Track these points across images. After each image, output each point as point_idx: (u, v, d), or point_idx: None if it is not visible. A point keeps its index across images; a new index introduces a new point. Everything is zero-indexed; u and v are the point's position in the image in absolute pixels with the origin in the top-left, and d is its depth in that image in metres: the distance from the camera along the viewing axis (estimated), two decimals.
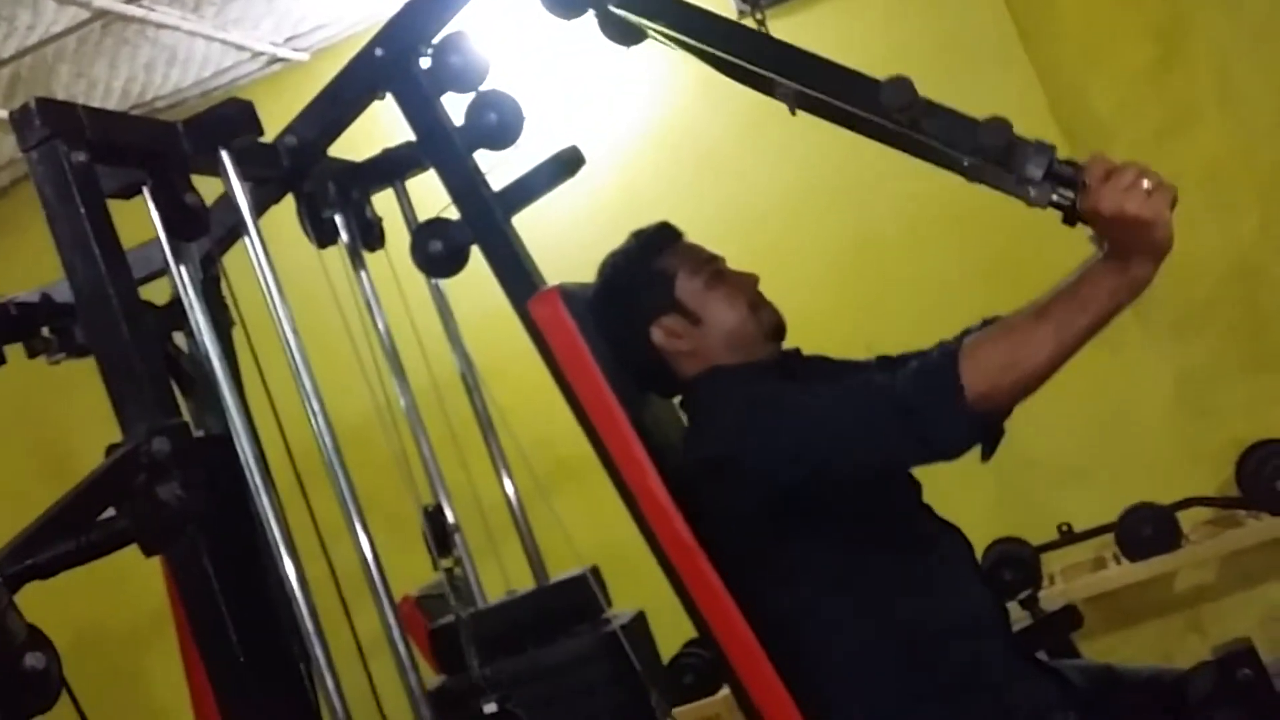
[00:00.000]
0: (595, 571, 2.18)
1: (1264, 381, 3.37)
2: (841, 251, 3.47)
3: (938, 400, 1.48)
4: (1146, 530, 3.23)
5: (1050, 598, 3.06)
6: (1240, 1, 3.35)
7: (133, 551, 1.53)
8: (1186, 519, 3.29)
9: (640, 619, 2.14)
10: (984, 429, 1.54)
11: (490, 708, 1.96)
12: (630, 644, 1.98)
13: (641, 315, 1.90)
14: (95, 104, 3.41)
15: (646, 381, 1.95)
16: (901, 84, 1.53)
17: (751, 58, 1.74)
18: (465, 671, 2.06)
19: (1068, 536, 3.33)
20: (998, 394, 1.50)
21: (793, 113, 2.52)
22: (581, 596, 2.10)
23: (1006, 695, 1.76)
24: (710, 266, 1.91)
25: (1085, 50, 3.47)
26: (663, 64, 3.60)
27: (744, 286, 1.90)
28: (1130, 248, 1.42)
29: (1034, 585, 3.13)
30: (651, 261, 1.92)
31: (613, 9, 1.82)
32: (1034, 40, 3.44)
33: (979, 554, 2.55)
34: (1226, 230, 3.38)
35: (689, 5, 1.80)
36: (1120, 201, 1.38)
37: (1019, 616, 2.06)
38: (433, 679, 2.19)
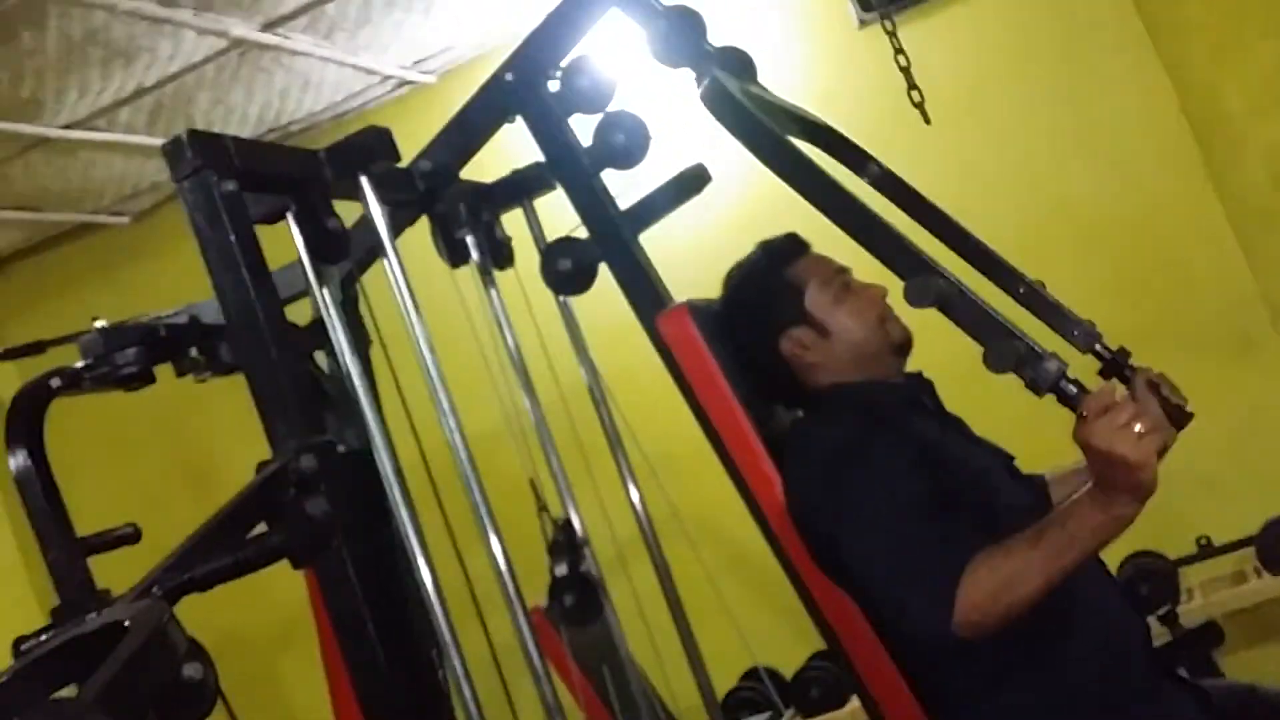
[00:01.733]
0: None
1: None
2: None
3: (928, 607, 1.55)
4: None
5: (1189, 613, 2.99)
6: None
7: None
8: None
9: None
10: (956, 647, 1.58)
11: None
12: None
13: (771, 326, 1.91)
14: (232, 129, 3.53)
15: (772, 391, 1.96)
16: (925, 285, 1.60)
17: (805, 192, 1.75)
18: None
19: (1207, 549, 3.24)
20: (986, 622, 1.54)
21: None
22: None
23: (1144, 713, 1.72)
24: (840, 279, 1.91)
25: (1216, 47, 3.37)
26: (786, 77, 3.61)
27: (873, 300, 1.90)
28: (1114, 485, 1.44)
29: (1172, 600, 3.06)
30: (781, 272, 1.93)
31: (702, 97, 1.83)
32: (1162, 36, 3.36)
33: (1114, 568, 2.51)
34: None
35: (762, 141, 1.79)
36: (1111, 440, 1.40)
37: (1158, 632, 2.02)
38: None
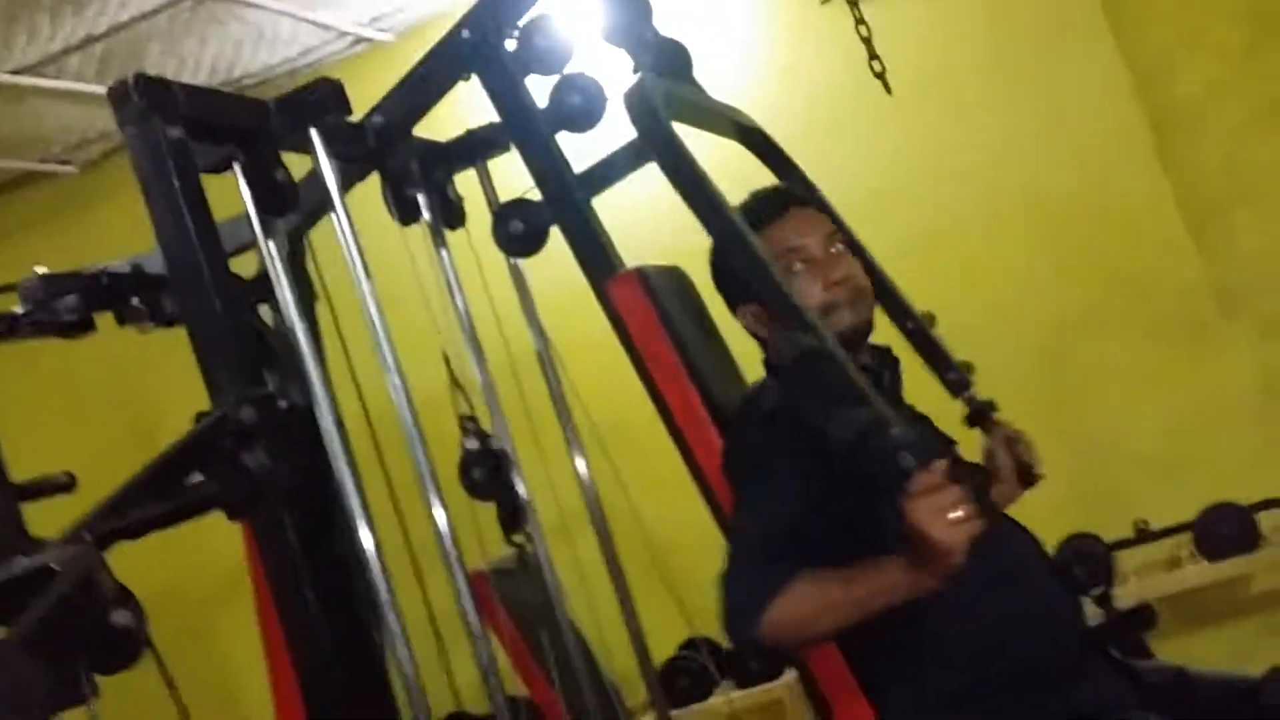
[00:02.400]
0: None
1: None
2: (919, 240, 3.44)
3: (743, 615, 1.66)
4: (1225, 530, 3.18)
5: (1124, 596, 3.03)
6: None
7: (211, 514, 1.58)
8: (1267, 520, 3.23)
9: None
10: (764, 655, 1.78)
11: None
12: None
13: (731, 297, 1.91)
14: (184, 81, 3.47)
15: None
16: (792, 340, 1.62)
17: (698, 214, 1.68)
18: None
19: (1144, 534, 3.29)
20: (785, 642, 1.72)
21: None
22: None
23: (1075, 691, 1.74)
24: (794, 257, 1.85)
25: (1174, 31, 3.40)
26: (745, 50, 3.60)
27: (827, 284, 1.85)
28: (923, 559, 1.51)
29: (1107, 582, 3.10)
30: None
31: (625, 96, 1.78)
32: (1123, 22, 3.38)
33: (1052, 549, 2.53)
34: None
35: (673, 164, 1.72)
36: (927, 519, 1.46)
37: (1093, 614, 2.04)
38: None
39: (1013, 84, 3.46)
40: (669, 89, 1.90)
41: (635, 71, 2.06)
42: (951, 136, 3.47)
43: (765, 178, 2.11)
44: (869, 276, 1.91)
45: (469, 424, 2.31)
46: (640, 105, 1.69)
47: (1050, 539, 2.15)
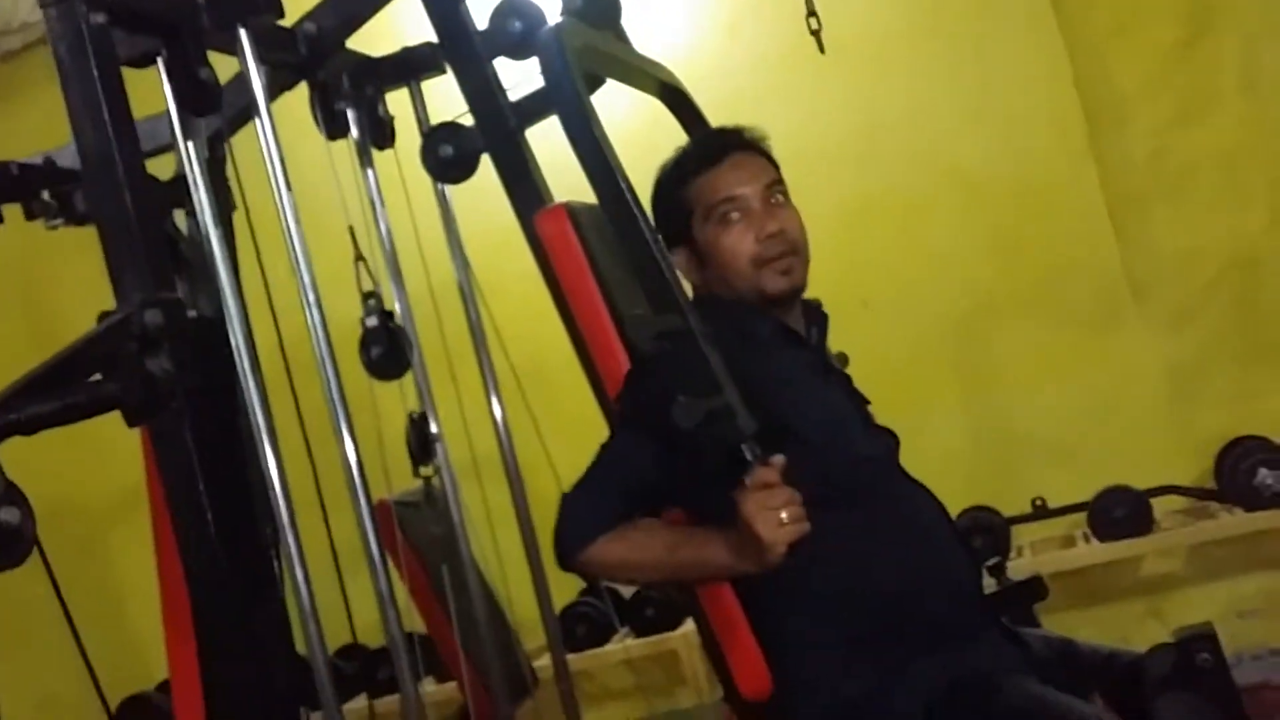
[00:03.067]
0: None
1: (1253, 375, 3.38)
2: (846, 207, 3.45)
3: (570, 535, 1.74)
4: (1119, 512, 3.25)
5: (1018, 568, 3.08)
6: None
7: (109, 425, 1.53)
8: (1160, 506, 3.31)
9: None
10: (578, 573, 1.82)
11: None
12: None
13: (664, 238, 1.87)
14: None
15: None
16: (660, 320, 1.64)
17: (585, 168, 1.65)
18: None
19: (1041, 511, 3.35)
20: (597, 573, 1.82)
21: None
22: None
23: (966, 653, 1.77)
24: (728, 206, 1.83)
25: (1114, 24, 3.43)
26: (690, 6, 3.56)
27: (759, 236, 1.83)
28: (745, 547, 1.58)
29: (1002, 554, 3.16)
30: (678, 189, 1.86)
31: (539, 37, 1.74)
32: (1066, 9, 3.40)
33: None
34: (1233, 220, 3.38)
35: (570, 105, 1.66)
36: (755, 514, 1.54)
37: (986, 583, 2.07)
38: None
39: (953, 60, 3.47)
40: (589, 39, 1.85)
41: (562, 14, 2.00)
42: (887, 106, 3.48)
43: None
44: None
45: (371, 301, 2.29)
46: (551, 51, 1.65)
47: (951, 510, 2.17)
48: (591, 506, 1.74)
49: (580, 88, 1.63)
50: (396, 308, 2.41)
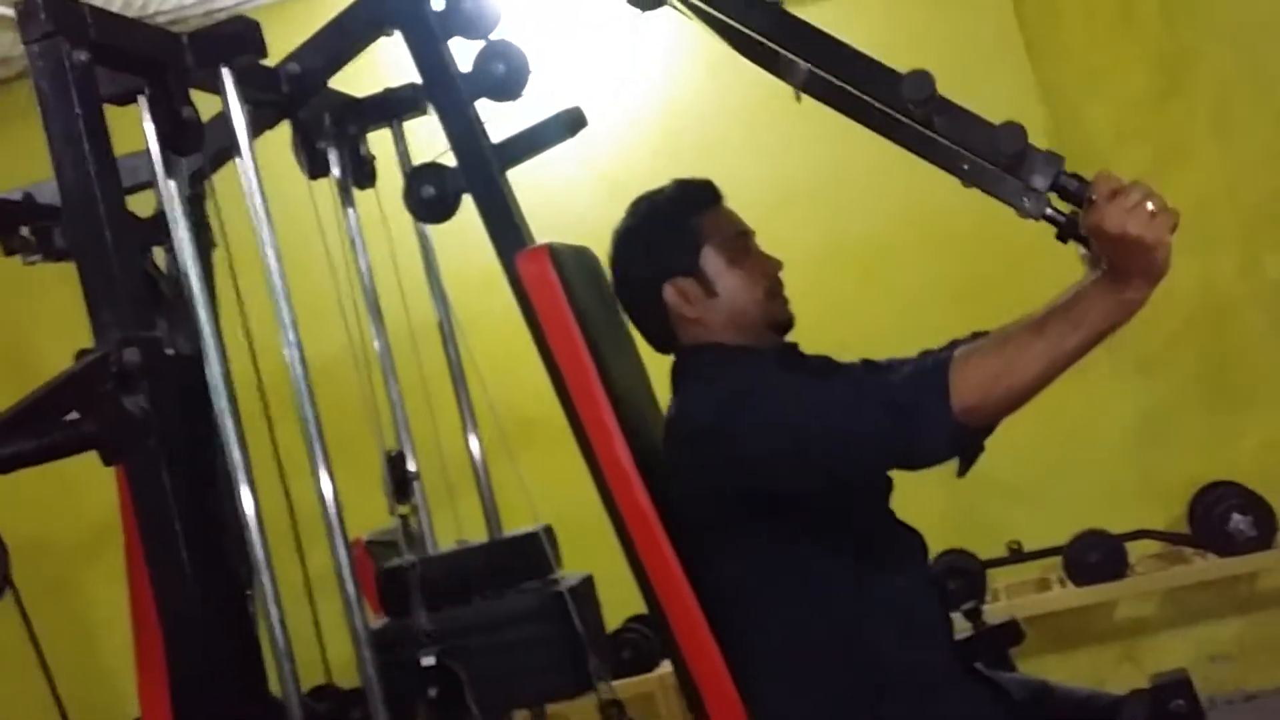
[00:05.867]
0: (548, 531, 2.17)
1: (1224, 420, 3.41)
2: (817, 251, 3.48)
3: (927, 406, 1.51)
4: (1094, 557, 3.27)
5: (993, 612, 3.09)
6: (1243, 37, 3.37)
7: (83, 462, 1.52)
8: (1134, 550, 3.33)
9: (588, 583, 2.14)
10: (966, 441, 1.57)
11: (428, 660, 1.96)
12: (575, 607, 1.98)
13: (660, 269, 1.87)
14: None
15: (643, 328, 1.94)
16: (923, 78, 1.52)
17: (772, 33, 1.70)
18: (408, 617, 2.05)
19: (1016, 555, 3.37)
20: (986, 405, 1.53)
21: (798, 99, 2.52)
22: (532, 554, 2.09)
23: (943, 700, 1.77)
24: (742, 240, 1.88)
25: (1089, 72, 3.48)
26: (675, 44, 3.59)
27: (767, 271, 1.88)
28: (1129, 269, 1.44)
29: (979, 598, 3.16)
30: (688, 217, 1.88)
31: None
32: (1039, 56, 3.45)
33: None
34: (1205, 267, 3.41)
35: None
36: (1124, 221, 1.39)
37: (962, 627, 2.07)
38: (376, 620, 2.18)
39: None
40: None
41: None
42: (859, 152, 3.48)
43: None
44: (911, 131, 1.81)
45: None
46: None
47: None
48: (906, 386, 1.53)
49: None
50: (375, 346, 2.41)
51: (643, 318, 1.91)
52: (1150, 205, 1.39)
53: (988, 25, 3.47)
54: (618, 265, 1.90)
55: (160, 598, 1.67)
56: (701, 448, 1.73)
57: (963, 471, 1.61)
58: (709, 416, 1.72)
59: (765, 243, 1.94)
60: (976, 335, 1.82)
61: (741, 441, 1.67)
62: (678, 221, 1.88)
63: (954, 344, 1.88)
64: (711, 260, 1.85)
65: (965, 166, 1.59)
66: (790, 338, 1.99)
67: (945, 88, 3.49)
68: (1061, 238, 1.55)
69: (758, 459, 1.66)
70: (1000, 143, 1.47)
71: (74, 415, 1.47)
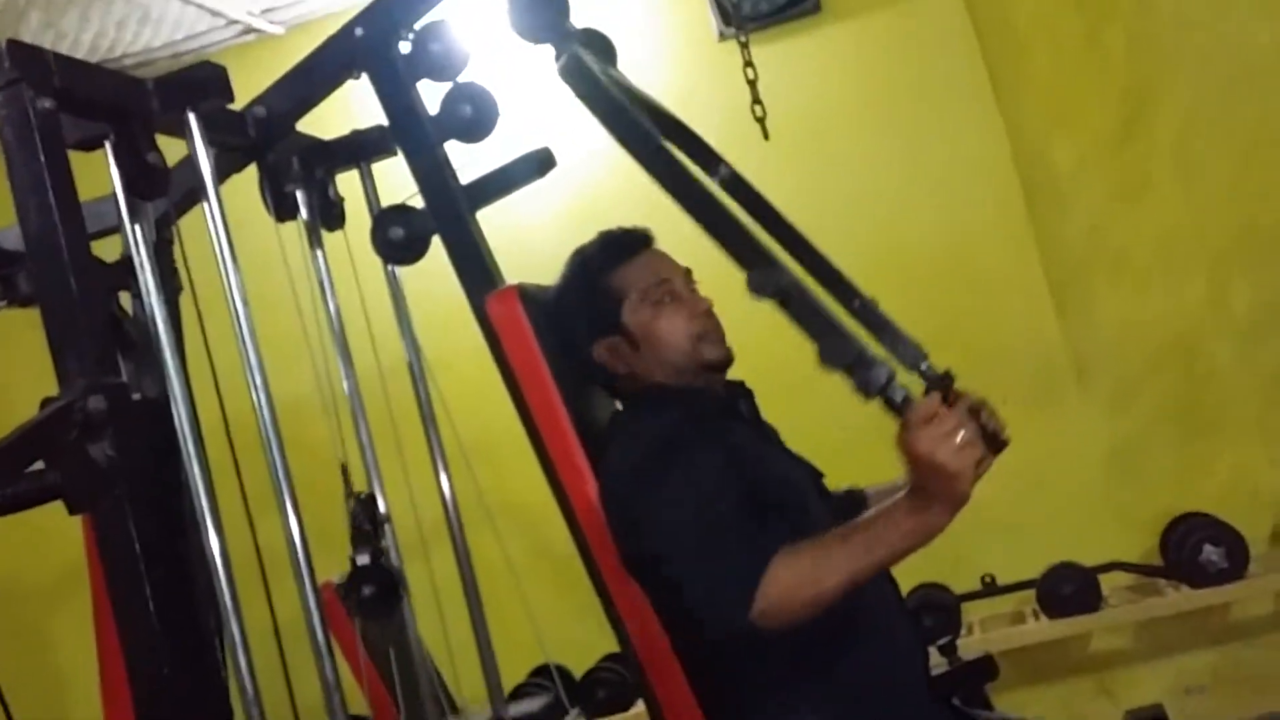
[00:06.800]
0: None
1: (1195, 451, 3.42)
2: (802, 271, 3.49)
3: (729, 596, 1.55)
4: (1067, 589, 3.27)
5: (968, 646, 3.09)
6: (1205, 73, 3.41)
7: (52, 508, 1.50)
8: (1108, 582, 3.33)
9: None
10: (752, 640, 1.60)
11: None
12: None
13: (587, 331, 1.89)
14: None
15: (594, 384, 1.95)
16: (766, 276, 1.62)
17: (658, 176, 1.74)
18: None
19: (990, 588, 3.36)
20: (784, 614, 1.56)
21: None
22: None
23: None
24: (662, 289, 1.87)
25: (1052, 107, 3.51)
26: (639, 79, 3.59)
27: (692, 315, 1.87)
28: (931, 493, 1.46)
29: (953, 632, 3.16)
30: (607, 275, 1.90)
31: (560, 70, 1.83)
32: (1004, 90, 3.48)
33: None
34: (1172, 300, 3.44)
35: (620, 119, 1.78)
36: (932, 447, 1.42)
37: (937, 662, 2.07)
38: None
39: (894, 142, 3.53)
40: (603, 65, 1.91)
41: (558, 58, 2.01)
42: (832, 185, 3.53)
43: None
44: (814, 259, 1.94)
45: (363, 535, 2.26)
46: (577, 69, 1.69)
47: (901, 586, 2.18)
48: (729, 563, 1.56)
49: (611, 90, 1.69)
50: (345, 387, 2.40)
51: (588, 376, 1.92)
52: (961, 436, 1.43)
53: (955, 63, 3.49)
54: (554, 331, 1.90)
55: (127, 647, 1.65)
56: (611, 511, 1.78)
57: None
58: (617, 485, 1.77)
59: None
60: (850, 493, 1.97)
61: (633, 527, 1.72)
62: (597, 281, 1.89)
63: (849, 493, 2.00)
64: (631, 315, 1.86)
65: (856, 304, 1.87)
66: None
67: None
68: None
69: (642, 549, 1.72)
70: (824, 355, 1.56)
71: (39, 464, 1.45)
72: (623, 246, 1.92)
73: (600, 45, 2.08)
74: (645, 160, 1.70)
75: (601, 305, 1.87)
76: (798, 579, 1.53)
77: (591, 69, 1.73)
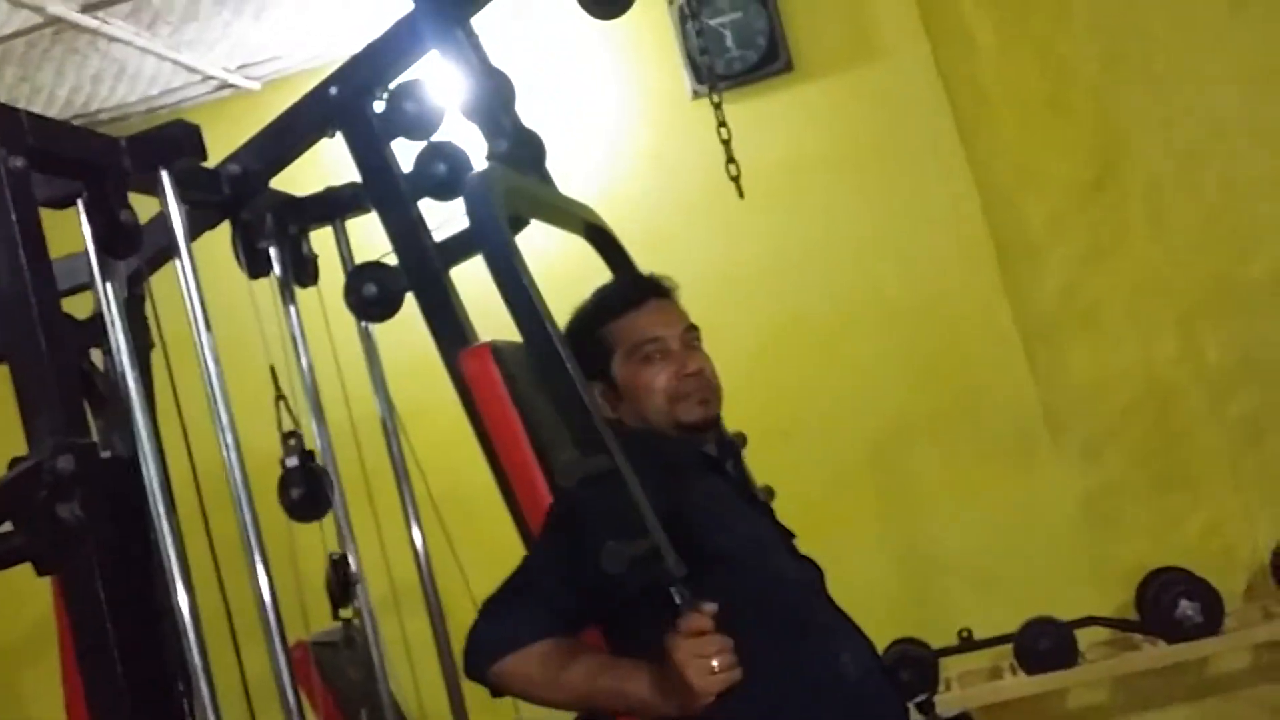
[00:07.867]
0: None
1: (1170, 503, 3.43)
2: (769, 332, 3.50)
3: (482, 651, 1.69)
4: (1045, 644, 3.26)
5: (946, 702, 3.07)
6: (1173, 128, 3.45)
7: (21, 566, 1.49)
8: (1085, 637, 3.32)
9: None
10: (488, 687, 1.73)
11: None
12: None
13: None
14: (37, 110, 3.35)
15: None
16: (572, 467, 1.62)
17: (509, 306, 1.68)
18: None
19: (967, 643, 3.35)
20: (510, 691, 1.71)
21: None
22: None
23: None
24: (651, 347, 1.88)
25: (1022, 165, 3.54)
26: (613, 136, 3.63)
27: (678, 374, 1.88)
28: (673, 691, 1.56)
29: (931, 688, 3.14)
30: (598, 329, 1.90)
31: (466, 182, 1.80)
32: (975, 149, 3.52)
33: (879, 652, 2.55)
34: (1144, 352, 3.46)
35: (497, 247, 1.69)
36: (687, 661, 1.52)
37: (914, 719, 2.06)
38: None
39: (866, 197, 3.56)
40: (515, 183, 1.90)
41: (487, 159, 2.05)
42: (806, 240, 3.55)
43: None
44: None
45: (291, 441, 2.26)
46: (477, 196, 1.68)
47: (878, 640, 2.17)
48: (509, 619, 1.69)
49: (506, 233, 1.65)
50: (317, 444, 2.39)
51: None
52: (716, 662, 1.51)
53: (925, 121, 3.53)
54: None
55: (92, 706, 1.62)
56: None
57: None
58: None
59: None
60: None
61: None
62: (592, 329, 1.90)
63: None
64: (619, 367, 1.87)
65: None
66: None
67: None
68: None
69: None
70: (604, 562, 1.52)
71: (7, 526, 1.43)
72: (626, 297, 1.93)
73: (529, 147, 2.13)
74: (505, 289, 1.64)
75: (593, 354, 1.88)
76: (539, 673, 1.67)
77: (488, 194, 1.68)
